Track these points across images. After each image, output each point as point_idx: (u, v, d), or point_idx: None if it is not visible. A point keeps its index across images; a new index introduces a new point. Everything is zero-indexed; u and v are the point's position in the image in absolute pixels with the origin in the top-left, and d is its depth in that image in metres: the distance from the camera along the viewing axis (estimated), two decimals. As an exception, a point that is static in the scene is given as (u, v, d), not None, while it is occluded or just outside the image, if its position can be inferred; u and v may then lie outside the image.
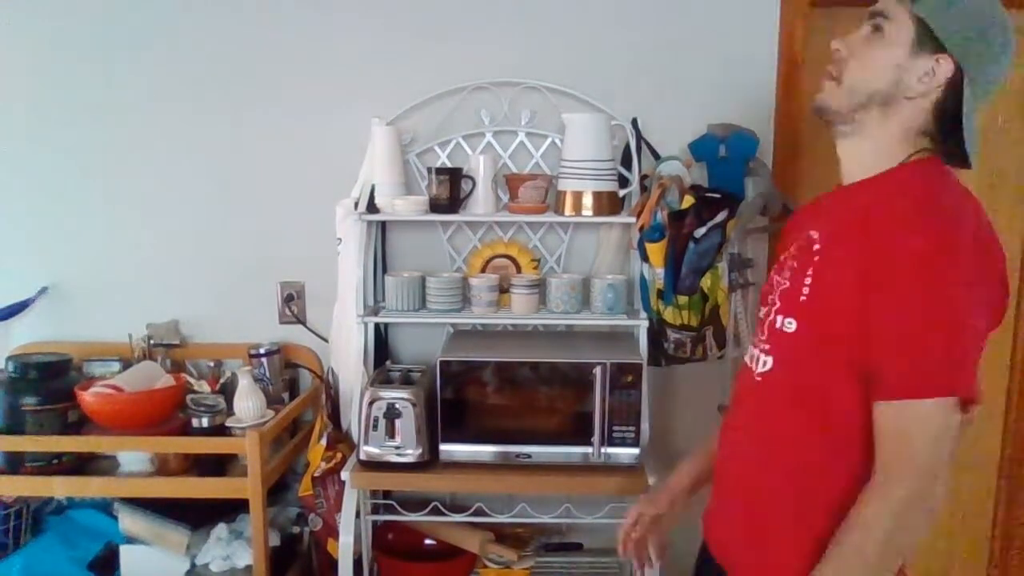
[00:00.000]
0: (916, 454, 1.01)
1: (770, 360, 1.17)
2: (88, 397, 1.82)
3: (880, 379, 1.03)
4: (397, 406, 1.76)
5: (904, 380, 1.01)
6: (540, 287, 1.95)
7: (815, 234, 1.15)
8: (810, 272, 1.12)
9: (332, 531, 1.89)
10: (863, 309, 1.03)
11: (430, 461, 1.79)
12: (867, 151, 1.13)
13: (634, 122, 1.99)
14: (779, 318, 1.15)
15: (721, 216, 1.85)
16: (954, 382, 1.00)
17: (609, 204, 1.90)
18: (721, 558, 1.27)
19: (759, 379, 1.19)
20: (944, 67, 1.06)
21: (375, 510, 1.99)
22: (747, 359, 1.25)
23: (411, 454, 1.78)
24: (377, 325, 2.04)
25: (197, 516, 1.91)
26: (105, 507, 2.03)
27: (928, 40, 1.06)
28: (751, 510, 1.21)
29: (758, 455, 1.20)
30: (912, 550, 1.06)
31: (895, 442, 1.02)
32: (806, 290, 1.12)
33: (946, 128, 1.09)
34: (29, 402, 1.84)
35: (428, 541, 2.06)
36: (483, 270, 2.05)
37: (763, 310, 1.23)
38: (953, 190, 1.09)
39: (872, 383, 1.04)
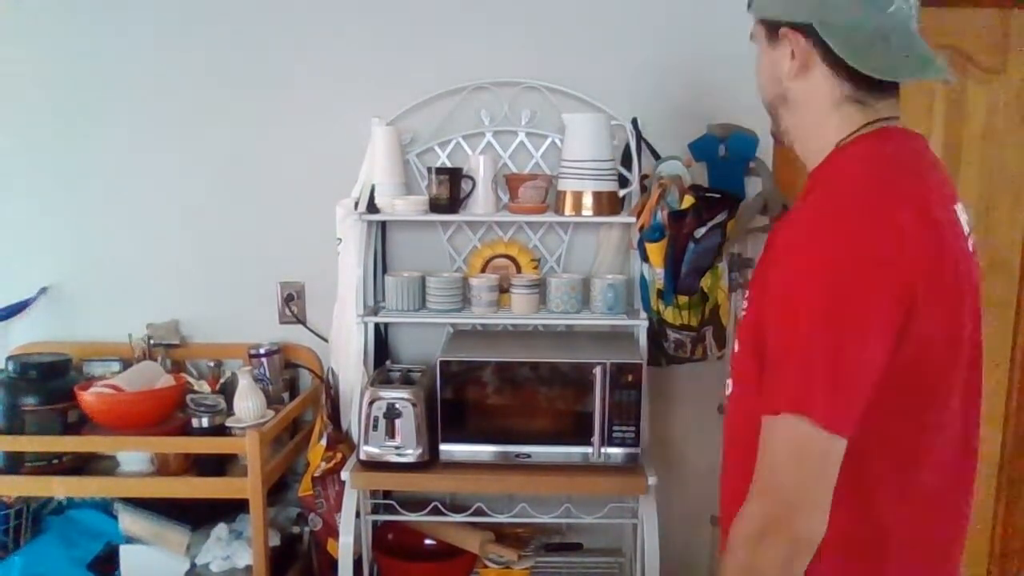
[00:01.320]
0: (770, 473, 0.92)
1: (730, 382, 1.14)
2: (88, 397, 1.82)
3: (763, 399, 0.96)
4: (397, 406, 1.76)
5: (765, 396, 0.95)
6: (540, 287, 1.95)
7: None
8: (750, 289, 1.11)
9: (332, 531, 1.89)
10: (761, 322, 0.99)
11: (430, 461, 1.79)
12: (807, 146, 1.09)
13: (634, 122, 1.99)
14: (736, 339, 1.12)
15: (721, 216, 1.85)
16: (802, 399, 0.90)
17: (609, 204, 1.90)
18: None
19: (725, 402, 1.16)
20: (794, 39, 1.03)
21: (375, 510, 1.99)
22: None
23: (411, 454, 1.78)
24: (377, 325, 2.04)
25: (197, 516, 1.91)
26: (105, 507, 2.03)
27: (771, 28, 1.06)
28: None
29: (725, 482, 1.16)
30: None
31: (758, 461, 0.94)
32: (744, 305, 1.10)
33: (861, 79, 1.01)
34: (29, 402, 1.84)
35: (428, 541, 2.06)
36: (483, 270, 2.05)
37: None
38: (880, 176, 0.97)
39: None
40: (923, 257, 0.92)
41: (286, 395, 2.10)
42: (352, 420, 1.92)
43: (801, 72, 1.03)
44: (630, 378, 1.73)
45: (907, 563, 1.02)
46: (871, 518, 0.96)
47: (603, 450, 1.76)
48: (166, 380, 1.93)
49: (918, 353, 0.93)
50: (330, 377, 2.05)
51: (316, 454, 1.90)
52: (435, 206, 1.93)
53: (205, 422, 1.88)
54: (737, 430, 1.11)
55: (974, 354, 1.01)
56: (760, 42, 1.09)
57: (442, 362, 1.77)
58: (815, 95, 1.04)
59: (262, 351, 2.06)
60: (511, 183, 1.96)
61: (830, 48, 0.99)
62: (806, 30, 1.01)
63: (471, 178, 1.94)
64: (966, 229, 1.01)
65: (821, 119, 1.04)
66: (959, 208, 1.01)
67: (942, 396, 0.99)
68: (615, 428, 1.75)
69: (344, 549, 1.76)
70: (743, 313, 1.09)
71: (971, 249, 1.01)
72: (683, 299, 1.88)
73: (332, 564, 1.83)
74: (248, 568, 1.84)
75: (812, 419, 0.88)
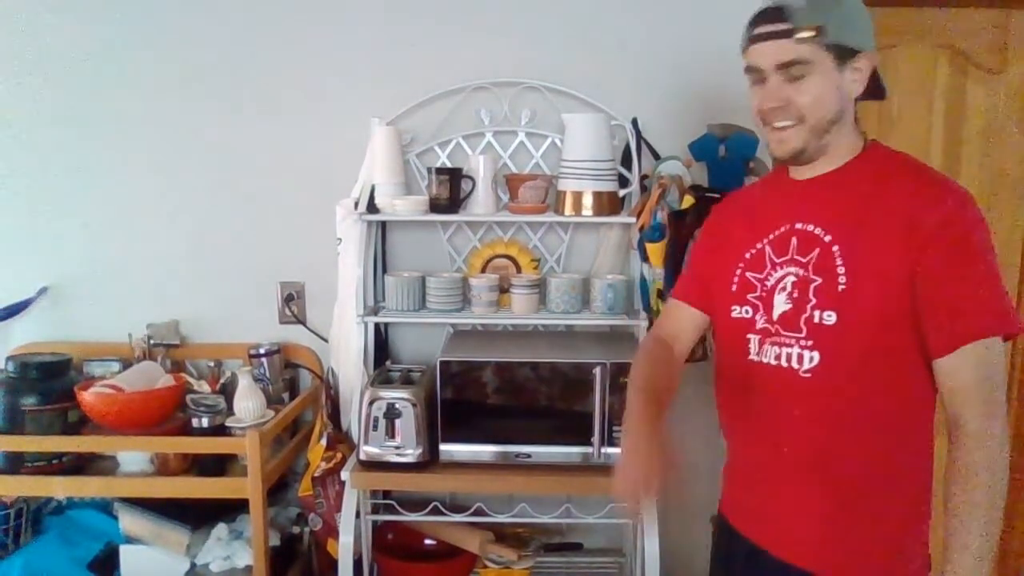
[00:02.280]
0: (995, 392, 1.10)
1: (816, 355, 1.19)
2: (88, 397, 1.82)
3: (948, 332, 1.10)
4: (397, 406, 1.77)
5: (979, 324, 1.10)
6: (540, 287, 1.95)
7: (811, 227, 1.21)
8: (839, 263, 1.17)
9: (332, 531, 1.89)
10: (912, 278, 1.11)
11: (430, 461, 1.79)
12: (836, 156, 1.23)
13: (634, 122, 1.99)
14: (816, 312, 1.19)
15: (721, 216, 1.85)
16: (1010, 322, 1.10)
17: (609, 204, 1.90)
18: (794, 557, 1.25)
19: (807, 375, 1.20)
20: (865, 61, 1.18)
21: (375, 510, 1.99)
22: (768, 359, 1.25)
23: (411, 454, 1.78)
24: (377, 325, 2.04)
25: (197, 516, 1.91)
26: (105, 507, 2.03)
27: (846, 52, 1.16)
28: (831, 504, 1.22)
29: (830, 448, 1.21)
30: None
31: (980, 384, 1.10)
32: (842, 279, 1.16)
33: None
34: (29, 402, 1.84)
35: (428, 541, 2.06)
36: (483, 270, 2.05)
37: (760, 308, 1.27)
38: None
39: (938, 340, 1.12)
40: None
41: (286, 395, 2.10)
42: (352, 420, 1.92)
43: (857, 91, 1.19)
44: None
45: None
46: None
47: (603, 450, 1.76)
48: (166, 380, 1.93)
49: None
50: (330, 377, 2.05)
51: (316, 454, 1.91)
52: (435, 206, 1.93)
53: (205, 422, 1.89)
54: (834, 396, 1.19)
55: None
56: (820, 67, 1.16)
57: (442, 362, 1.77)
58: (851, 110, 1.21)
59: (262, 351, 2.06)
60: (511, 183, 1.96)
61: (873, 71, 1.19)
62: (871, 56, 1.18)
63: (471, 178, 1.94)
64: None
65: (851, 132, 1.22)
66: None
67: None
68: (615, 428, 1.75)
69: (344, 549, 1.76)
70: (841, 288, 1.16)
71: None
72: (683, 299, 1.88)
73: (332, 564, 1.83)
74: (248, 568, 1.85)
75: (1011, 334, 1.11)
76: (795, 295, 1.21)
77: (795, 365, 1.21)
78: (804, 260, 1.21)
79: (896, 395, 1.17)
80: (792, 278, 1.22)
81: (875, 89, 1.23)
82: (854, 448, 1.20)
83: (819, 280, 1.19)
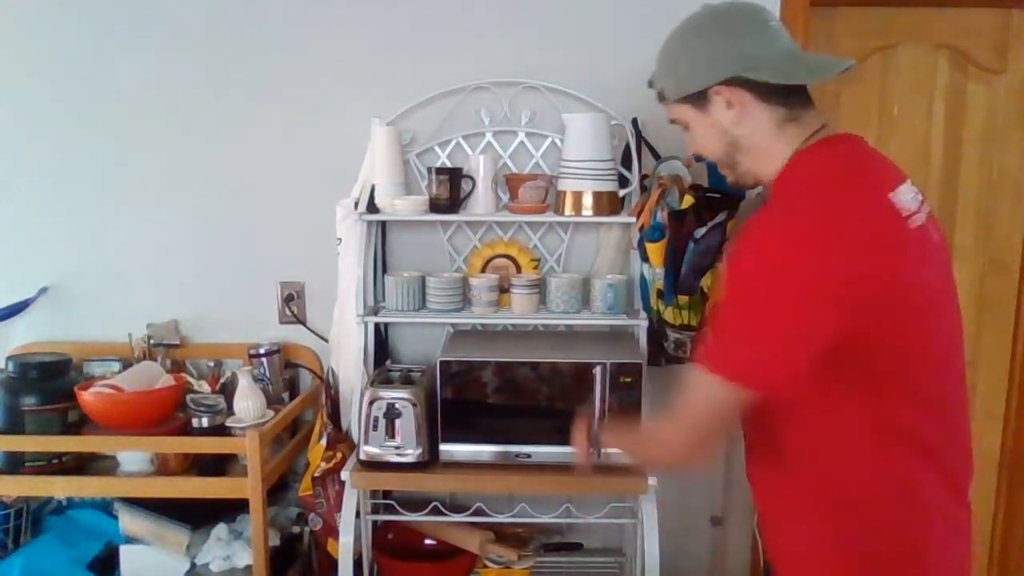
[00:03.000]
0: (686, 420, 1.15)
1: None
2: (88, 397, 1.82)
3: None
4: (397, 406, 1.76)
5: (701, 354, 1.13)
6: (540, 287, 1.95)
7: None
8: None
9: (332, 531, 1.89)
10: None
11: (430, 461, 1.79)
12: (767, 173, 1.22)
13: (634, 122, 1.99)
14: None
15: (721, 216, 1.85)
16: (722, 365, 1.09)
17: (609, 204, 1.90)
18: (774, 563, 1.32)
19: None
20: (727, 92, 1.17)
21: (375, 510, 1.99)
22: None
23: (411, 454, 1.78)
24: (377, 325, 2.04)
25: (197, 516, 1.91)
26: (105, 507, 2.03)
27: (696, 97, 1.21)
28: (767, 523, 1.31)
29: (757, 472, 1.29)
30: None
31: (679, 398, 1.15)
32: None
33: (789, 98, 1.18)
34: (29, 402, 1.84)
35: (428, 541, 2.06)
36: (483, 270, 2.05)
37: None
38: (825, 177, 1.12)
39: None
40: (868, 234, 1.05)
41: (286, 395, 2.10)
42: (352, 420, 1.92)
43: (742, 116, 1.19)
44: (630, 378, 1.73)
45: None
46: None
47: (603, 450, 1.75)
48: (166, 380, 1.93)
49: (873, 317, 1.06)
50: (330, 377, 2.05)
51: (316, 454, 1.91)
52: (435, 206, 1.93)
53: (205, 422, 1.89)
54: (754, 425, 1.27)
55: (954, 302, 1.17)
56: (689, 118, 1.25)
57: (442, 362, 1.77)
58: (760, 129, 1.19)
59: (262, 351, 2.06)
60: (511, 183, 1.96)
61: (759, 85, 1.16)
62: (732, 81, 1.16)
63: (471, 178, 1.94)
64: (914, 203, 1.12)
65: (770, 146, 1.19)
66: (905, 187, 1.13)
67: (920, 340, 1.11)
68: (615, 428, 1.75)
69: (344, 549, 1.76)
70: None
71: (924, 216, 1.12)
72: (683, 299, 1.88)
73: (332, 564, 1.83)
74: (248, 568, 1.85)
75: (727, 378, 1.09)
76: None
77: None
78: None
79: (810, 426, 1.15)
80: None
81: (788, 85, 1.17)
82: (777, 474, 1.23)
83: None
